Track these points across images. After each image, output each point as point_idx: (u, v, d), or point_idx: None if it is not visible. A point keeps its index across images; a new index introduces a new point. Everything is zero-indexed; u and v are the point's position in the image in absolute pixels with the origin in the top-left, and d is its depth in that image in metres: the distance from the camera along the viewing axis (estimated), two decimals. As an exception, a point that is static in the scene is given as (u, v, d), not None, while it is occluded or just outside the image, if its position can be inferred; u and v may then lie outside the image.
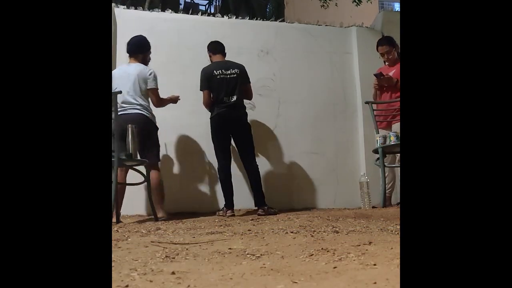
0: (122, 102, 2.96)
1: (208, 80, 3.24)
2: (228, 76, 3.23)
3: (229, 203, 3.16)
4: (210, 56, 3.41)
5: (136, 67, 3.08)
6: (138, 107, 2.99)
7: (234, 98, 3.20)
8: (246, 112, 3.32)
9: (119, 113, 2.88)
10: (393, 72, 3.36)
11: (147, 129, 2.98)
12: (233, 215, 3.03)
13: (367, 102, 3.23)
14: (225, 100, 3.20)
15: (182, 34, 3.69)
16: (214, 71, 3.23)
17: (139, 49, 3.17)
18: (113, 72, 3.09)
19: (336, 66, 4.00)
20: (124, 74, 3.05)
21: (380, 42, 3.56)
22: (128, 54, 3.17)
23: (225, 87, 3.20)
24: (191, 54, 3.52)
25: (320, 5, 7.11)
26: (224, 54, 3.38)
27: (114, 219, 2.68)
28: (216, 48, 3.39)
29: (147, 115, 3.03)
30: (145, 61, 3.17)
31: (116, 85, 2.96)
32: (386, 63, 3.51)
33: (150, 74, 3.08)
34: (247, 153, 3.25)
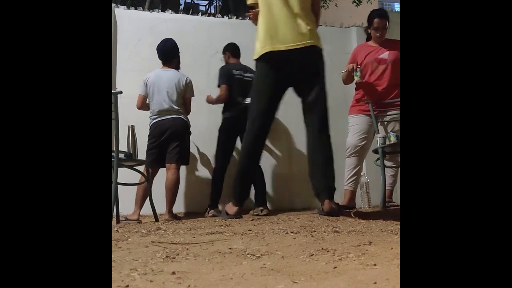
0: (161, 109, 3.11)
1: (228, 77, 3.32)
2: (245, 78, 3.31)
3: (214, 204, 3.23)
4: (228, 57, 3.48)
5: (175, 74, 3.19)
6: (177, 113, 3.15)
7: (248, 100, 3.25)
8: None
9: (159, 119, 3.09)
10: (387, 55, 3.09)
11: (182, 133, 3.15)
12: (215, 216, 3.07)
13: (367, 102, 3.23)
14: (240, 101, 3.25)
15: (183, 34, 3.69)
16: (234, 70, 3.32)
17: (173, 54, 3.27)
18: (148, 76, 3.20)
19: (336, 66, 4.00)
20: (163, 80, 3.15)
21: (381, 13, 3.11)
22: (161, 61, 3.25)
23: (241, 88, 3.26)
24: (192, 55, 3.51)
25: (320, 5, 7.11)
26: (239, 59, 3.49)
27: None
28: (236, 51, 3.50)
29: (186, 120, 3.20)
30: (178, 64, 3.28)
31: (153, 90, 3.13)
32: (374, 43, 3.18)
33: (189, 83, 3.24)
34: None
